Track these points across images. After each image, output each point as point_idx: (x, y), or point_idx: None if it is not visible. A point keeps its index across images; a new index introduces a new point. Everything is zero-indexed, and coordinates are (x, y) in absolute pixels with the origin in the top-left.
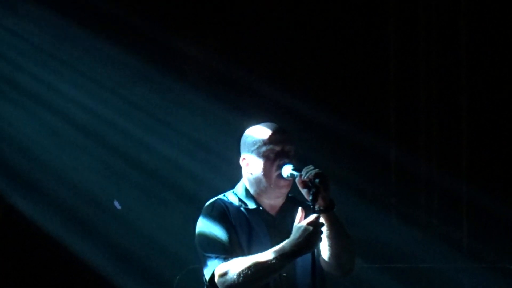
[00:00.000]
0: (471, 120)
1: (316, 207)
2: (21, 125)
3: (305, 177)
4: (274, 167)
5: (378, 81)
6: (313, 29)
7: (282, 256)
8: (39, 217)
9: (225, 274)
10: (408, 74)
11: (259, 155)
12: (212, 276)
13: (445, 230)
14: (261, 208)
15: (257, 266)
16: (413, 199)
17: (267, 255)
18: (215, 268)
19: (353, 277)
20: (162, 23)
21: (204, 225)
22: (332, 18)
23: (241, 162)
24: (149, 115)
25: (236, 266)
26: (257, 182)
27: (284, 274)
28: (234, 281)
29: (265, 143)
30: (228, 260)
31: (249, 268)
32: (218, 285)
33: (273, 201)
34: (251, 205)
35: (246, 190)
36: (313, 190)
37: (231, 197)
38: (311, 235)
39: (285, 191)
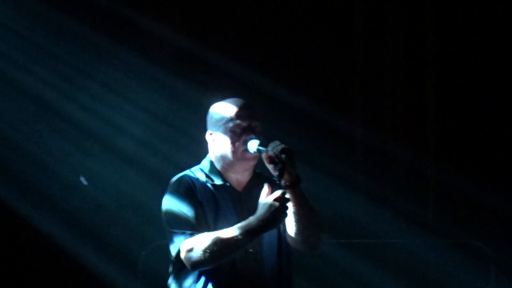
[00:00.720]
0: (438, 99)
1: (282, 182)
2: None
3: (271, 153)
4: (241, 142)
5: (344, 59)
6: (278, 6)
7: (248, 232)
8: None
9: (191, 250)
10: (374, 52)
11: (226, 130)
12: (178, 252)
13: (411, 207)
14: (227, 184)
15: (223, 242)
16: (379, 177)
17: (233, 230)
18: (181, 244)
19: (320, 252)
20: (131, 3)
21: (171, 201)
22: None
23: (207, 138)
24: (113, 92)
25: (202, 242)
26: (223, 157)
27: (251, 250)
28: (200, 256)
29: (231, 118)
30: (194, 235)
31: (215, 243)
32: (184, 261)
33: (240, 176)
34: (218, 181)
35: (213, 166)
36: (279, 165)
37: (198, 173)
38: (277, 211)
39: (252, 163)
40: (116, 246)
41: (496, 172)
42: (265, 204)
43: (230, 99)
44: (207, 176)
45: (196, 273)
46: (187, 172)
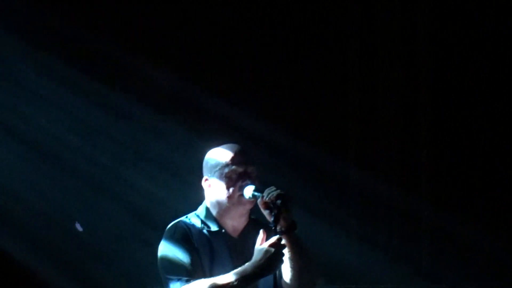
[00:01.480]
0: (431, 142)
1: (278, 228)
2: None
3: (267, 198)
4: (237, 188)
5: (338, 103)
6: (272, 50)
7: (244, 278)
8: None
9: None
10: (367, 96)
11: (221, 176)
12: None
13: (405, 251)
14: (223, 230)
15: None
16: (373, 220)
17: (229, 277)
18: None
19: None
20: (118, 44)
21: (166, 248)
22: (292, 38)
23: (203, 184)
24: (108, 137)
25: None
26: (219, 202)
27: None
28: None
29: (227, 164)
30: (190, 282)
31: None
32: None
33: (236, 222)
34: (213, 227)
35: (209, 212)
36: (275, 211)
37: (194, 219)
38: (273, 257)
39: (248, 207)
40: None
41: (492, 215)
42: (260, 250)
43: (226, 145)
44: (202, 222)
45: None
46: (183, 218)
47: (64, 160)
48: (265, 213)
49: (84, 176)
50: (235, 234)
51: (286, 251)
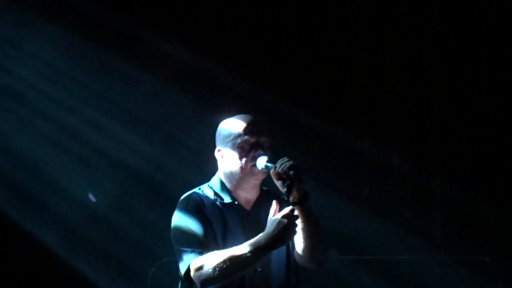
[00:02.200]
0: (443, 114)
1: (291, 199)
2: None
3: (280, 169)
4: (249, 158)
5: (350, 74)
6: (284, 22)
7: (257, 250)
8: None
9: (201, 268)
10: (379, 69)
11: (234, 146)
12: (188, 270)
13: (418, 222)
14: (236, 202)
15: (232, 260)
16: (386, 192)
17: (242, 248)
18: (190, 262)
19: (327, 269)
20: (132, 17)
21: (180, 219)
22: (304, 11)
23: (216, 154)
24: (122, 110)
25: (211, 260)
26: (232, 173)
27: (259, 269)
28: (209, 275)
29: (240, 134)
30: (203, 254)
31: (224, 262)
32: (194, 279)
33: (249, 193)
34: (226, 199)
35: (222, 183)
36: (287, 182)
37: (207, 190)
38: (286, 228)
39: (260, 177)
40: (125, 264)
41: (504, 186)
42: (273, 221)
43: (238, 115)
44: (215, 194)
45: None
46: (196, 190)
47: (77, 131)
48: (278, 184)
49: (96, 147)
50: (247, 206)
51: (298, 222)
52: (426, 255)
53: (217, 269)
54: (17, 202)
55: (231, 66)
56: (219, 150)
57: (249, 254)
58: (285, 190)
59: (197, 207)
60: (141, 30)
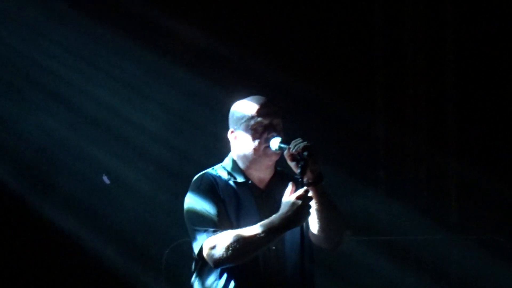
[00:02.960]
0: (458, 94)
1: (305, 180)
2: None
3: (293, 150)
4: (262, 140)
5: (365, 55)
6: (298, 5)
7: (271, 230)
8: (23, 194)
9: (214, 247)
10: (394, 48)
11: (247, 128)
12: (201, 249)
13: (433, 203)
14: (249, 181)
15: (245, 240)
16: (401, 173)
17: (256, 228)
18: (204, 241)
19: (342, 249)
20: (148, 2)
21: (193, 199)
22: None
23: (229, 136)
24: (136, 92)
25: (224, 239)
26: (245, 155)
27: (273, 247)
28: (222, 254)
29: (253, 116)
30: (217, 233)
31: (237, 241)
32: (207, 258)
33: (262, 173)
34: (240, 178)
35: (235, 164)
36: (302, 163)
37: (220, 170)
38: (300, 209)
39: (274, 158)
40: (139, 245)
41: None
42: (287, 202)
43: (252, 97)
44: (229, 174)
45: (218, 270)
46: (209, 170)
47: (91, 116)
48: (292, 165)
49: (110, 131)
50: (261, 186)
51: (313, 203)
52: (442, 235)
53: (230, 248)
54: (31, 183)
55: (245, 46)
56: (232, 132)
57: (262, 235)
58: (299, 171)
59: (210, 187)
60: (156, 14)
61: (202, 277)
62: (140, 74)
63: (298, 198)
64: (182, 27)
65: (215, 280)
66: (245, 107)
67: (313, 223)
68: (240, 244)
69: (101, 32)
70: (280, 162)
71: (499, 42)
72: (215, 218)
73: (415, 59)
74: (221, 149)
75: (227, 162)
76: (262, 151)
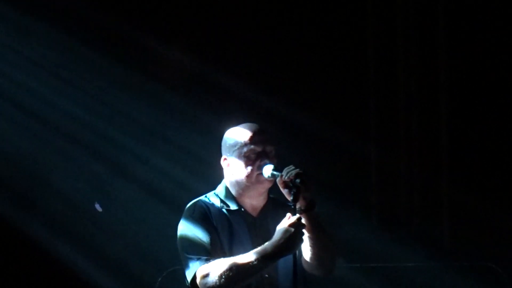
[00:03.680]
0: (451, 119)
1: (297, 207)
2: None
3: (286, 177)
4: (255, 167)
5: (358, 81)
6: (291, 29)
7: (263, 258)
8: (20, 221)
9: (207, 275)
10: (387, 74)
11: (240, 155)
12: (194, 277)
13: (426, 229)
14: (242, 209)
15: (238, 268)
16: (393, 199)
17: (249, 256)
18: (196, 269)
19: (335, 277)
20: (138, 25)
21: (186, 227)
22: (310, 18)
23: (222, 163)
24: (128, 119)
25: (217, 267)
26: (238, 182)
27: (266, 275)
28: (215, 282)
29: (246, 143)
30: (210, 261)
31: (230, 269)
32: (200, 286)
33: (255, 201)
34: (233, 206)
35: (228, 191)
36: (294, 190)
37: (213, 198)
38: (292, 237)
39: (266, 186)
40: (132, 272)
41: None
42: (280, 229)
43: (244, 124)
44: (222, 201)
45: None
46: (202, 197)
47: (84, 141)
48: (284, 192)
49: (103, 157)
50: (254, 213)
51: (305, 230)
52: (434, 262)
53: (223, 276)
54: (26, 212)
55: (238, 73)
56: (225, 159)
57: (255, 262)
58: (291, 198)
59: (203, 215)
60: (147, 37)
61: None
62: (133, 102)
63: (290, 225)
64: (174, 50)
65: None
66: (238, 134)
67: (306, 250)
68: (233, 272)
69: (95, 60)
70: (273, 190)
71: (492, 68)
72: (208, 246)
73: (408, 84)
74: (215, 177)
75: (220, 190)
76: (255, 178)
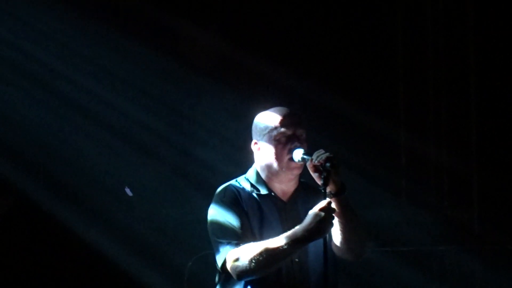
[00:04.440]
0: (480, 104)
1: (327, 191)
2: (26, 110)
3: (316, 161)
4: (286, 151)
5: (387, 65)
6: (321, 14)
7: (293, 242)
8: (50, 207)
9: (237, 260)
10: (416, 58)
11: (271, 139)
12: (225, 262)
13: (455, 212)
14: (272, 193)
15: (268, 252)
16: (423, 182)
17: (279, 240)
18: (227, 254)
19: (365, 260)
20: (169, 10)
21: (216, 211)
22: (341, 4)
23: (253, 147)
24: (160, 103)
25: (248, 252)
26: (268, 166)
27: (296, 259)
28: (246, 266)
29: (276, 127)
30: (240, 245)
31: (260, 253)
32: (230, 271)
33: (285, 185)
34: (263, 190)
35: (258, 175)
36: (324, 174)
37: (243, 182)
38: (323, 221)
39: (296, 172)
40: (163, 257)
41: None
42: (311, 214)
43: (274, 108)
44: (252, 185)
45: (242, 282)
46: (232, 182)
47: (116, 126)
48: (314, 176)
49: (135, 141)
50: (284, 198)
51: (336, 214)
52: (464, 245)
53: (253, 261)
54: (59, 197)
55: (269, 57)
56: (255, 143)
57: (285, 247)
58: (322, 182)
59: (233, 199)
60: (177, 21)
61: None
62: (165, 86)
63: (321, 209)
64: (205, 37)
65: None
66: (268, 118)
67: (336, 234)
68: (264, 256)
69: (125, 44)
70: (304, 174)
71: None
72: (239, 231)
73: (437, 68)
74: (246, 161)
75: (250, 174)
76: (285, 162)
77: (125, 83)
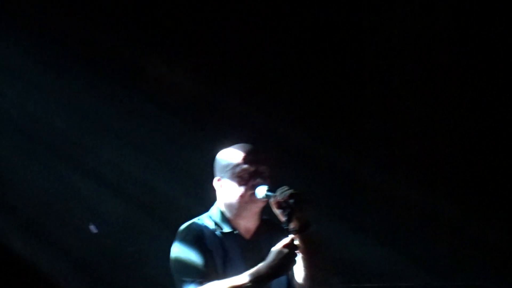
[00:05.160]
0: (451, 138)
1: (291, 228)
2: None
3: (280, 198)
4: (249, 187)
5: (354, 101)
6: (288, 48)
7: (257, 279)
8: (12, 242)
9: None
10: (385, 92)
11: (233, 176)
12: None
13: (423, 249)
14: (235, 231)
15: None
16: (390, 218)
17: (243, 278)
18: None
19: None
20: (133, 44)
21: (180, 249)
22: (308, 39)
23: (215, 184)
24: (122, 138)
25: None
26: (231, 203)
27: None
28: None
29: (238, 164)
30: (204, 284)
31: None
32: None
33: (249, 222)
34: (226, 228)
35: (221, 213)
36: (288, 211)
37: (206, 220)
38: (286, 258)
39: (260, 205)
40: None
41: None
42: (274, 251)
43: (237, 145)
44: (215, 224)
45: None
46: (195, 220)
47: (77, 161)
48: (278, 212)
49: (97, 177)
50: (247, 235)
51: (299, 251)
52: (431, 282)
53: None
54: (24, 235)
55: (234, 93)
56: (218, 180)
57: (249, 284)
58: (285, 219)
59: (197, 237)
60: (142, 58)
61: None
62: (127, 121)
63: (284, 246)
64: (170, 73)
65: None
66: (230, 155)
67: (299, 271)
68: None
69: (89, 78)
70: (267, 211)
71: (493, 93)
72: (202, 269)
73: (406, 105)
74: (209, 196)
75: (213, 212)
76: (248, 198)
77: (87, 118)
